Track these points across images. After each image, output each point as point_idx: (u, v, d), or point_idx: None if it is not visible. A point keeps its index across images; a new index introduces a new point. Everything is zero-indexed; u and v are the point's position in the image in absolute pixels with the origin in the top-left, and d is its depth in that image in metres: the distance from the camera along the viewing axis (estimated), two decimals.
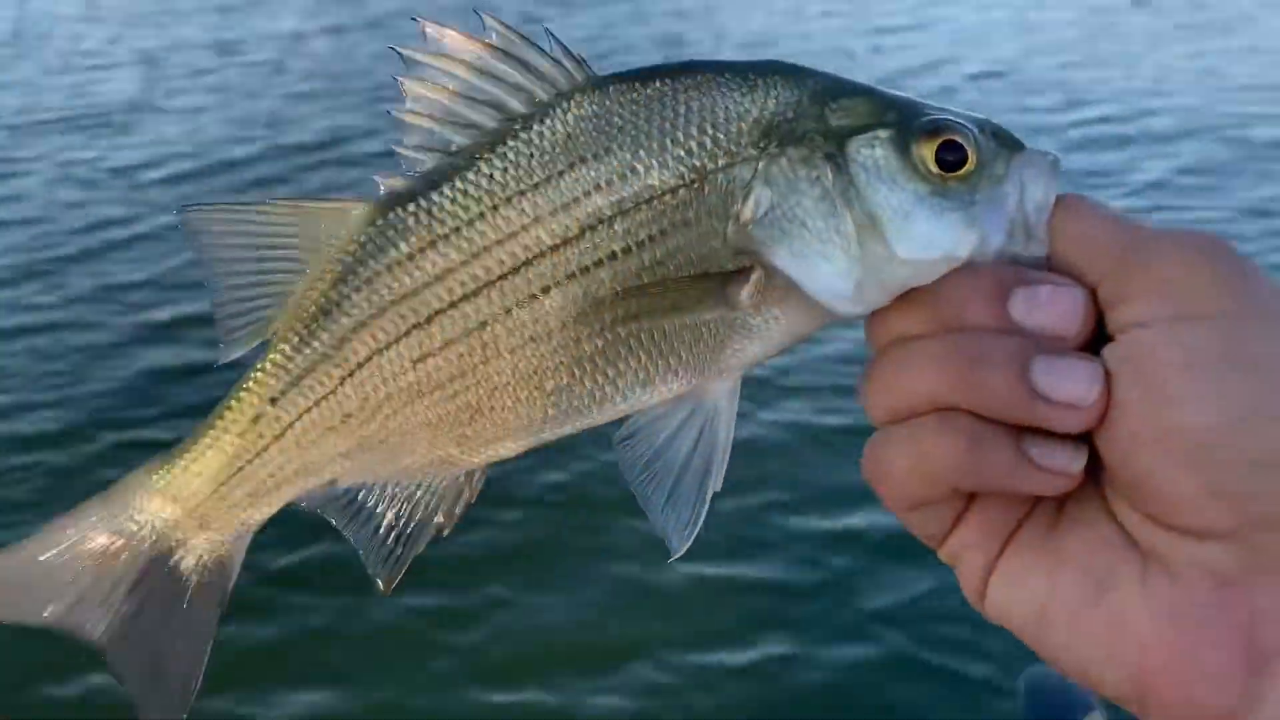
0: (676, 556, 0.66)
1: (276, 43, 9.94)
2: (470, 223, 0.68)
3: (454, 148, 0.68)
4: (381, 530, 0.72)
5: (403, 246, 0.68)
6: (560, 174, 0.67)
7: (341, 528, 0.73)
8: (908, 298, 0.62)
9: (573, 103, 0.67)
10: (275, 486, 0.73)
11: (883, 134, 0.64)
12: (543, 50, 0.67)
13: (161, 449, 0.74)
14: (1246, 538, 0.53)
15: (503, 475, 0.83)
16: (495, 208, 0.67)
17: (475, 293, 0.68)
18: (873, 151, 0.63)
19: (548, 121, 0.67)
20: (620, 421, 0.70)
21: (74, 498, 0.73)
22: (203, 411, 0.73)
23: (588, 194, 0.66)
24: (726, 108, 0.66)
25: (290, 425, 0.71)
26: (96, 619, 0.73)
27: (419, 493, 0.72)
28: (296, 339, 0.70)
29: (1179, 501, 0.54)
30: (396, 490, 0.72)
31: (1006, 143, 0.63)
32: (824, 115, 0.65)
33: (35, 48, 10.18)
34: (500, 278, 0.67)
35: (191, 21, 10.92)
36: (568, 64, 0.68)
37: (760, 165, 0.65)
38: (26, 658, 2.82)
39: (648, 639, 3.08)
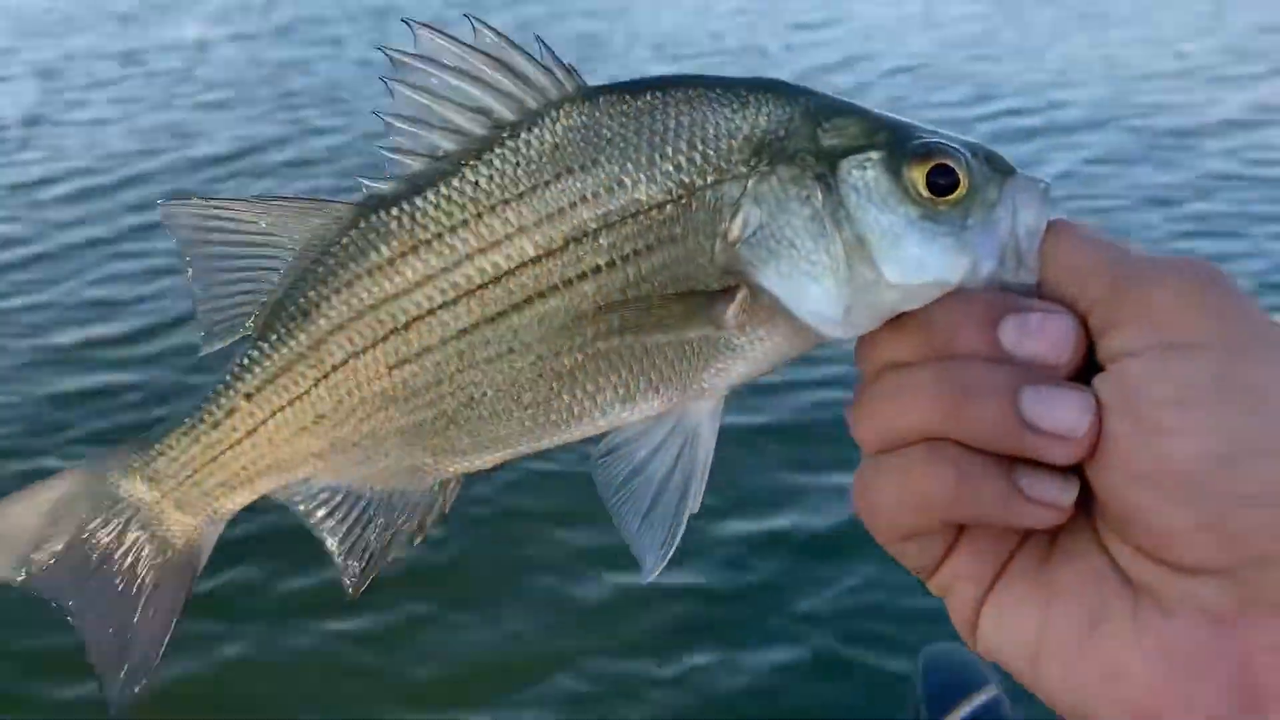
0: (651, 577, 0.65)
1: (181, 52, 9.72)
2: (453, 229, 0.67)
3: (440, 153, 0.67)
4: (353, 536, 0.72)
5: (384, 250, 0.68)
6: (546, 184, 0.65)
7: (314, 530, 0.73)
8: (897, 323, 0.61)
9: (561, 112, 0.66)
10: (249, 479, 0.73)
11: (874, 155, 0.63)
12: (533, 58, 0.66)
13: None
14: (1240, 574, 0.52)
15: None
16: (479, 215, 0.66)
17: (455, 301, 0.67)
18: (864, 173, 0.62)
19: (535, 130, 0.66)
20: (598, 438, 0.68)
21: None
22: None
23: (573, 205, 0.65)
24: (717, 124, 0.64)
25: (264, 422, 0.71)
26: (67, 585, 0.74)
27: (392, 499, 0.72)
28: (275, 337, 0.70)
29: (1170, 537, 0.53)
30: (370, 496, 0.72)
31: (998, 167, 0.62)
32: (816, 135, 0.64)
33: None
34: (481, 286, 0.66)
35: (91, 31, 10.62)
36: (558, 72, 0.67)
37: (750, 183, 0.64)
38: (26, 658, 2.81)
39: (573, 652, 3.05)
